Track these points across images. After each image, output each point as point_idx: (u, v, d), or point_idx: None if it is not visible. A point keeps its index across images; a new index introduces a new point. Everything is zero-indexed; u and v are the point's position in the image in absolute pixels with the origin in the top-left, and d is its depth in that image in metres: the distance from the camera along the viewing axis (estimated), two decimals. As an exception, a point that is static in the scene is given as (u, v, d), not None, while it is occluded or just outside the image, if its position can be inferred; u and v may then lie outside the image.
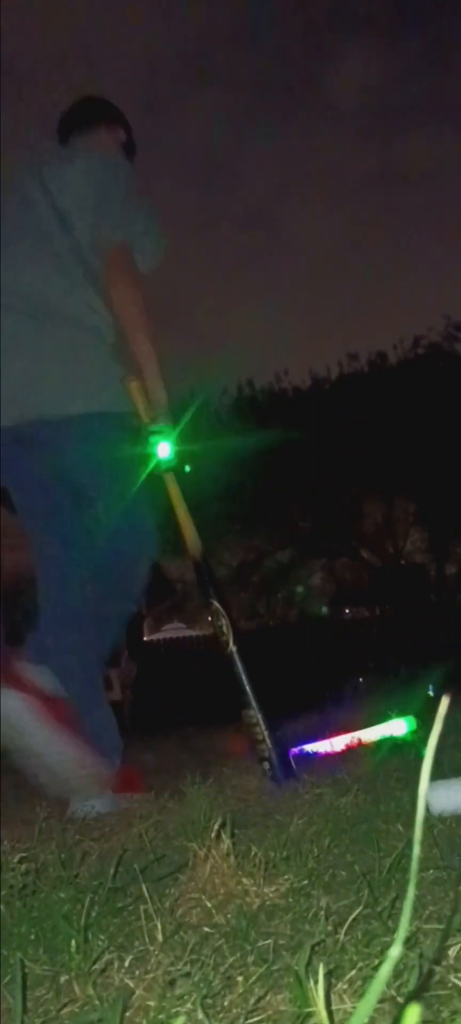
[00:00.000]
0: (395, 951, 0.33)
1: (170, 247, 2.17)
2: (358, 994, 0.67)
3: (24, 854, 1.06)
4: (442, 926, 0.79)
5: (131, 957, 0.78)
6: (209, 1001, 0.68)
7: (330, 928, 0.80)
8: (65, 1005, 0.72)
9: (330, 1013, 0.61)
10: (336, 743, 2.40)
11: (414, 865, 0.34)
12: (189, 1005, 0.67)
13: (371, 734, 2.50)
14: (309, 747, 2.41)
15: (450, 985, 0.66)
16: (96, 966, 0.76)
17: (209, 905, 0.91)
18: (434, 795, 1.24)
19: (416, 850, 0.34)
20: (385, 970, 0.33)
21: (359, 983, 0.69)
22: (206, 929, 0.85)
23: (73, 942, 0.79)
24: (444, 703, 0.35)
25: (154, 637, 15.05)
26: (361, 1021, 0.34)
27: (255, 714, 1.88)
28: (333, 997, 0.66)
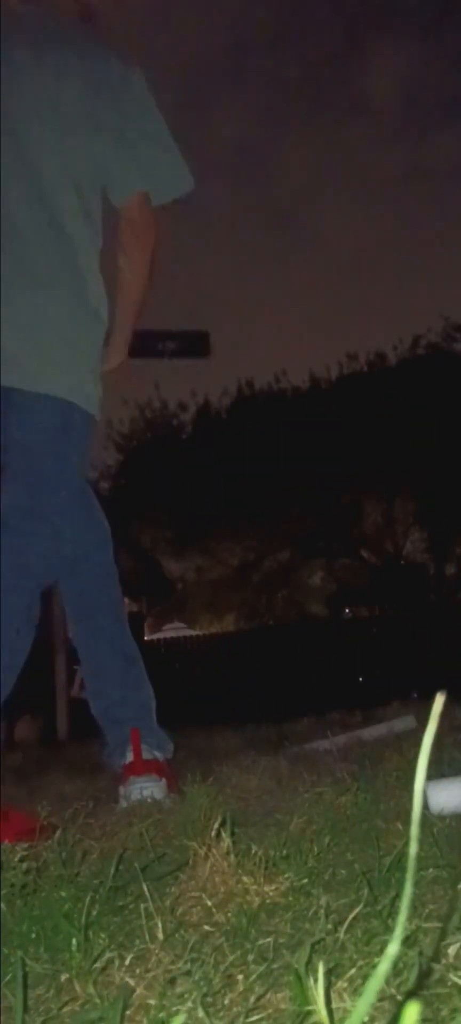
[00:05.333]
0: (393, 948, 0.33)
1: (196, 180, 1.79)
2: (358, 992, 0.67)
3: (25, 853, 1.06)
4: (443, 925, 0.79)
5: (132, 955, 0.79)
6: (209, 999, 0.68)
7: (330, 926, 0.80)
8: (66, 1003, 0.72)
9: (330, 1011, 0.61)
10: (336, 742, 2.40)
11: (411, 863, 0.34)
12: (189, 1003, 0.68)
13: (371, 733, 2.51)
14: (309, 746, 2.41)
15: (450, 983, 0.66)
16: (97, 965, 0.77)
17: (209, 903, 0.91)
18: (433, 794, 1.24)
19: (413, 847, 0.35)
20: (383, 967, 0.33)
21: (359, 981, 0.69)
22: (206, 927, 0.85)
23: (74, 941, 0.79)
24: (439, 700, 0.35)
25: (154, 637, 15.05)
26: (360, 1018, 0.34)
27: None
28: (333, 995, 0.67)
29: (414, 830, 0.35)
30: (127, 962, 0.77)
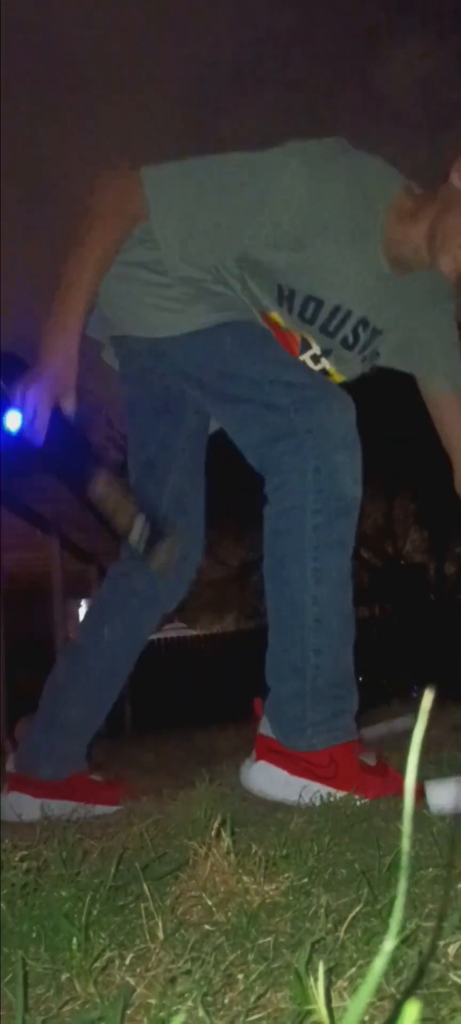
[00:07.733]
0: (388, 945, 0.33)
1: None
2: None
3: (25, 852, 1.06)
4: (442, 924, 0.79)
5: (132, 955, 0.79)
6: (210, 999, 0.69)
7: (330, 926, 0.80)
8: (66, 1003, 0.72)
9: (330, 1010, 0.61)
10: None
11: (405, 860, 0.34)
12: (190, 1003, 0.68)
13: (371, 732, 2.51)
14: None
15: (449, 983, 0.67)
16: (97, 964, 0.77)
17: (210, 903, 0.92)
18: (433, 794, 1.24)
19: (406, 844, 0.35)
20: (379, 964, 0.33)
21: (359, 981, 0.69)
22: (207, 927, 0.86)
23: (74, 940, 0.79)
24: (428, 697, 0.35)
25: (155, 636, 15.04)
26: (357, 1015, 0.34)
27: None
28: (333, 994, 0.67)
29: (407, 827, 0.35)
30: (127, 961, 0.78)
